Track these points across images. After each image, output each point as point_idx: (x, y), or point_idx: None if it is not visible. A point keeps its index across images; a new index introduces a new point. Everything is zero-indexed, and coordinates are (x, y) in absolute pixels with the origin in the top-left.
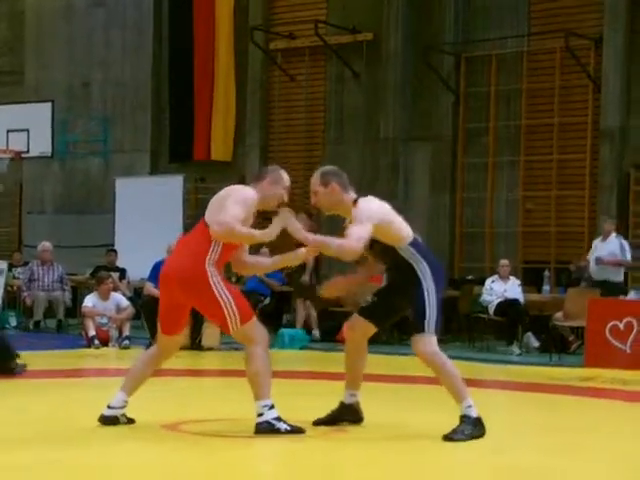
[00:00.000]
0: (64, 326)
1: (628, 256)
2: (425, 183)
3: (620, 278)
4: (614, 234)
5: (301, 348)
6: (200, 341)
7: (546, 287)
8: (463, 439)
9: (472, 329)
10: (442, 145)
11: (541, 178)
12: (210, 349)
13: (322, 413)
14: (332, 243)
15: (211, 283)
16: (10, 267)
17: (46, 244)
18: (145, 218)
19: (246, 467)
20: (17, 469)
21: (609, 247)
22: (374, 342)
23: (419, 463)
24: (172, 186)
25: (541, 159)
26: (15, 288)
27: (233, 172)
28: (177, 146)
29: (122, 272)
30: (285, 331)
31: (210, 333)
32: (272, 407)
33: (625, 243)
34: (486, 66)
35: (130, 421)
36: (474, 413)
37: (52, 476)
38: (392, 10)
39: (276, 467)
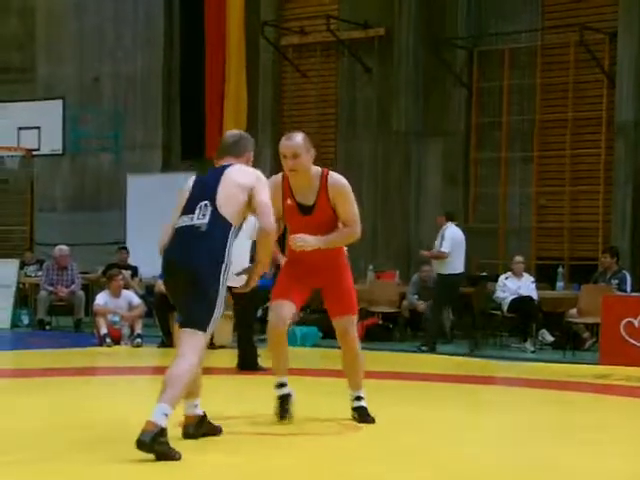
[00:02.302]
0: (81, 324)
1: (444, 247)
2: (438, 178)
3: (450, 271)
4: (444, 226)
5: (313, 346)
6: (212, 339)
7: (560, 284)
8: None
9: (486, 326)
10: (455, 140)
11: (555, 173)
12: (222, 347)
13: (335, 410)
14: None
15: None
16: (22, 265)
17: (63, 248)
18: (157, 215)
19: (262, 465)
20: (23, 468)
21: (437, 241)
22: (387, 340)
23: (429, 460)
24: (184, 183)
25: (555, 154)
26: (27, 286)
27: None
28: (189, 142)
29: (134, 270)
30: (297, 329)
31: (221, 331)
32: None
33: (447, 233)
34: (499, 60)
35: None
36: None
37: (59, 474)
38: (404, 5)
39: (285, 464)
